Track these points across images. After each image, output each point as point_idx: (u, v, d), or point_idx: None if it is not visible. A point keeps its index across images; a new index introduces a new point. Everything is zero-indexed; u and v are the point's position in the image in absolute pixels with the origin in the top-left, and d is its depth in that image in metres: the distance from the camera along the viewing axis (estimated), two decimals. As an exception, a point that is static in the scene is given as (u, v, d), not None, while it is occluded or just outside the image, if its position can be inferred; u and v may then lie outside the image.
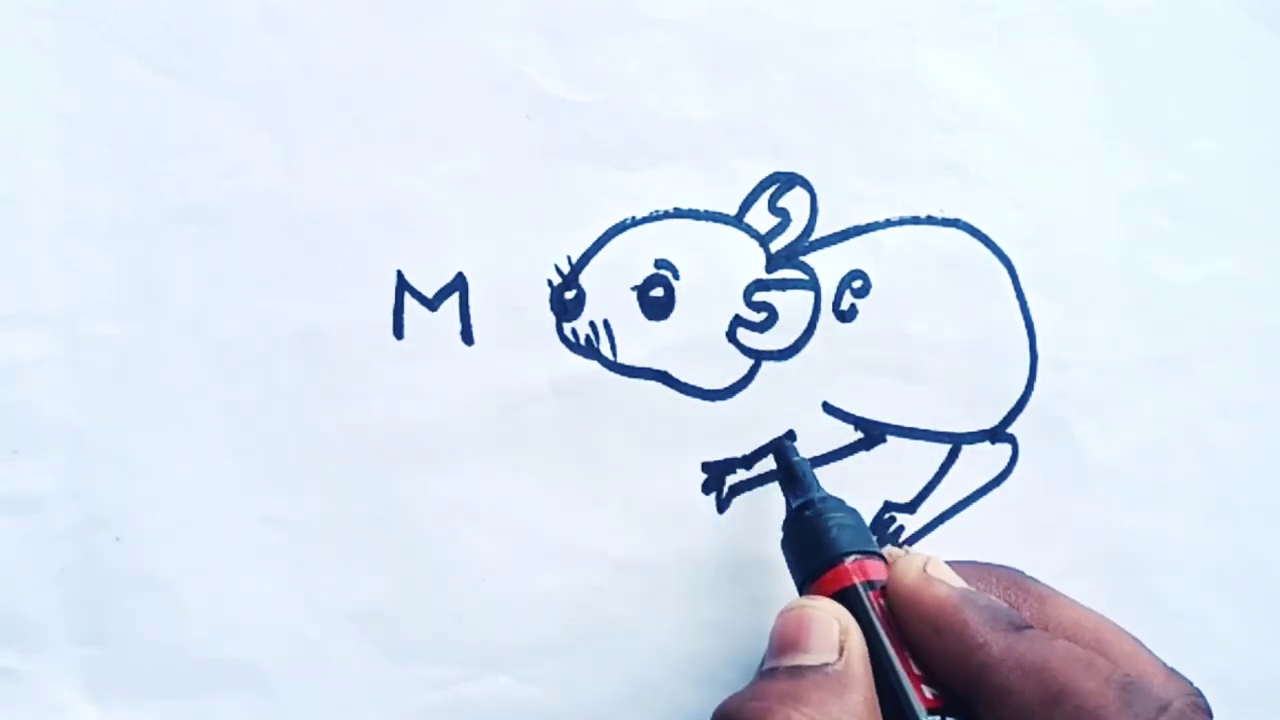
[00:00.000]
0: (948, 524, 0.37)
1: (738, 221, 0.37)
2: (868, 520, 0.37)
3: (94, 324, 0.36)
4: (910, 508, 0.37)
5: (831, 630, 0.29)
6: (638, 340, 0.37)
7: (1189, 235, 0.38)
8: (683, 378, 0.37)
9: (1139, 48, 0.38)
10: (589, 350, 0.37)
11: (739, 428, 0.37)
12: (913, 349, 0.37)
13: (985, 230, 0.38)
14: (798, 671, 0.28)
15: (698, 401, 0.37)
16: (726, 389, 0.37)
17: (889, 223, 0.37)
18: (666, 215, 0.37)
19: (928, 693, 0.28)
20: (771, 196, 0.37)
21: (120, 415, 0.36)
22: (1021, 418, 0.38)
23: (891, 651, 0.29)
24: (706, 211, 0.37)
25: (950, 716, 0.28)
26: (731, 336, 0.37)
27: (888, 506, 0.37)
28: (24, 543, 0.35)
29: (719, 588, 0.36)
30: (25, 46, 0.36)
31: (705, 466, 0.37)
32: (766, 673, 0.29)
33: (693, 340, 0.37)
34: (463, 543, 0.36)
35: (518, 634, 0.36)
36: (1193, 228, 0.38)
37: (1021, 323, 0.38)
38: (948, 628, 0.28)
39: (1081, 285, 0.38)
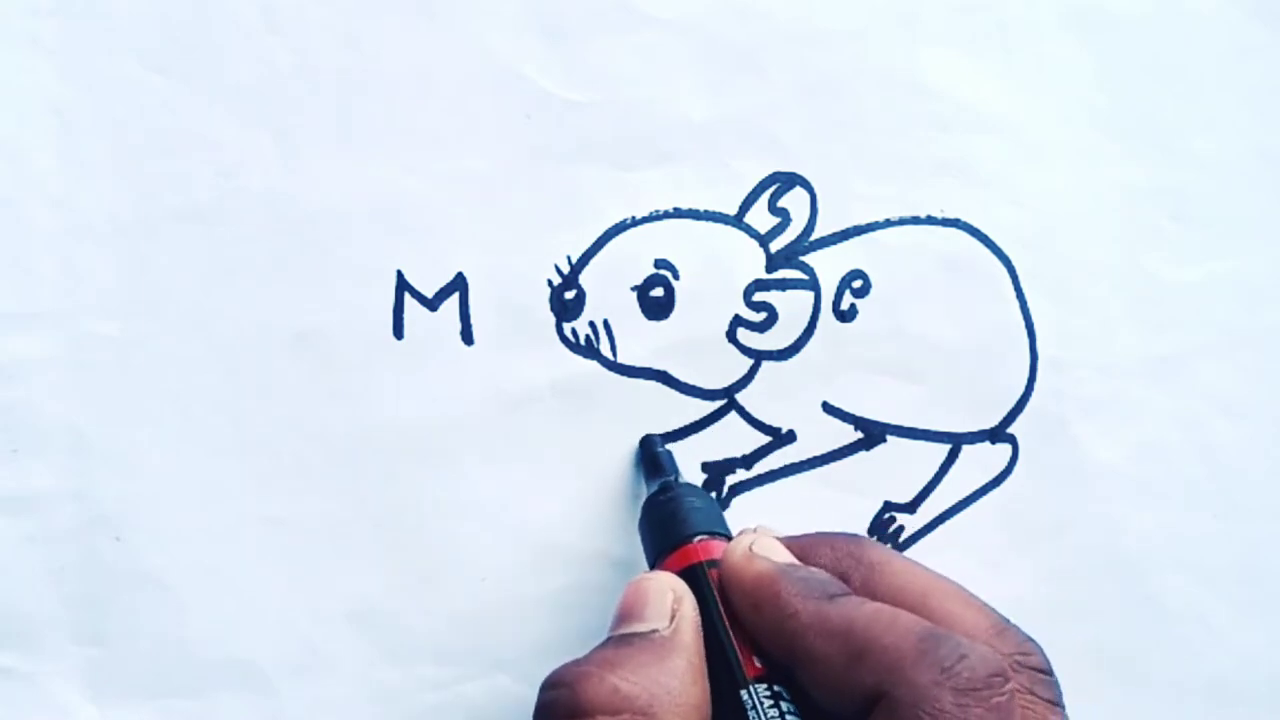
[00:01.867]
0: (948, 524, 0.37)
1: (738, 221, 0.37)
2: (867, 520, 0.37)
3: (94, 324, 0.36)
4: (910, 508, 0.37)
5: (665, 598, 0.30)
6: (638, 340, 0.37)
7: (1189, 235, 0.38)
8: (683, 378, 0.37)
9: (1139, 48, 0.38)
10: (589, 350, 0.37)
11: (739, 427, 0.37)
12: (913, 349, 0.37)
13: (985, 230, 0.38)
14: (626, 639, 0.29)
15: (698, 401, 0.37)
16: (726, 389, 0.37)
17: (889, 223, 0.37)
18: (666, 215, 0.37)
19: (756, 663, 0.29)
20: (771, 196, 0.37)
21: (120, 415, 0.36)
22: (1021, 418, 0.38)
23: (725, 624, 0.30)
24: (706, 211, 0.37)
25: (775, 685, 0.28)
26: (731, 336, 0.37)
27: (888, 506, 0.37)
28: (24, 543, 0.35)
29: (719, 588, 0.36)
30: (25, 46, 0.36)
31: (705, 466, 0.37)
32: (602, 643, 0.30)
33: (693, 340, 0.37)
34: (463, 543, 0.36)
35: (518, 634, 0.36)
36: (1193, 228, 0.38)
37: (1021, 323, 0.38)
38: (763, 601, 0.29)
39: (1081, 285, 0.38)
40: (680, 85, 0.37)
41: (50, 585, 0.35)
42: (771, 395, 0.37)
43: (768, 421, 0.37)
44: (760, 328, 0.37)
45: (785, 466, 0.37)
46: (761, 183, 0.37)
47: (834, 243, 0.37)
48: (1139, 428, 0.38)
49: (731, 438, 0.37)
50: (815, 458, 0.37)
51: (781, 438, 0.37)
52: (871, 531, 0.37)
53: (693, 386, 0.37)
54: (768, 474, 0.37)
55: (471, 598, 0.36)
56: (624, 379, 0.37)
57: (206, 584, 0.36)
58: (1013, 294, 0.38)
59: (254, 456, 0.36)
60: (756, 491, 0.37)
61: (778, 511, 0.36)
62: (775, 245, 0.37)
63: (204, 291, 0.36)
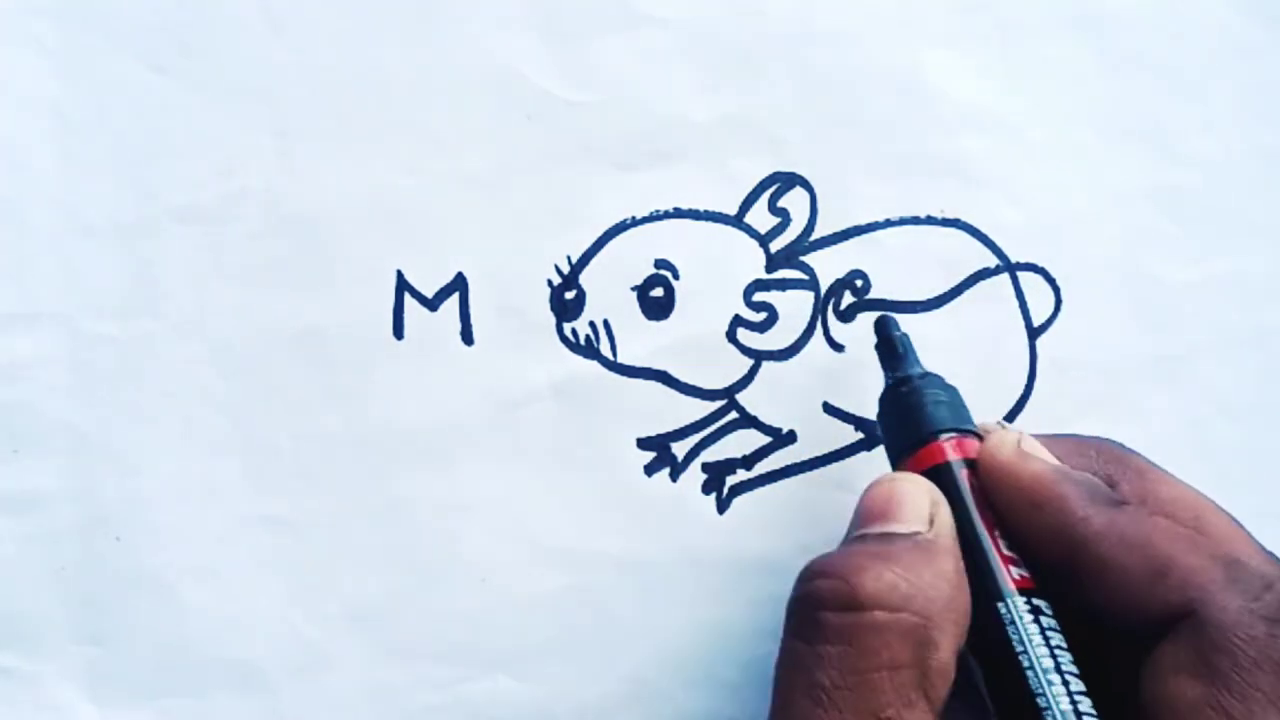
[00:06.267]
0: (948, 524, 0.37)
1: (738, 221, 0.37)
2: (868, 520, 0.37)
3: (94, 324, 0.36)
4: (910, 508, 0.37)
5: (922, 503, 0.29)
6: (638, 340, 0.37)
7: (1189, 235, 0.38)
8: (683, 378, 0.37)
9: (1139, 48, 0.38)
10: (589, 350, 0.37)
11: (739, 427, 0.37)
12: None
13: (985, 230, 0.38)
14: (888, 538, 0.28)
15: (698, 401, 0.37)
16: (726, 389, 0.37)
17: (889, 223, 0.37)
18: (666, 215, 0.37)
19: (1015, 573, 0.28)
20: (771, 196, 0.37)
21: (120, 415, 0.36)
22: (1021, 418, 0.38)
23: (982, 529, 0.29)
24: (706, 211, 0.37)
25: (1037, 599, 0.27)
26: (731, 336, 0.37)
27: (888, 506, 0.37)
28: (24, 542, 0.35)
29: (719, 588, 0.36)
30: (25, 46, 0.36)
31: (705, 467, 0.37)
32: (856, 538, 0.29)
33: (693, 340, 0.37)
34: (463, 543, 0.36)
35: (518, 634, 0.36)
36: (1193, 228, 0.38)
37: (1021, 323, 0.38)
38: (1045, 502, 0.28)
39: (1081, 285, 0.38)
40: (680, 85, 0.37)
41: (50, 585, 0.35)
42: (771, 395, 0.37)
43: (768, 421, 0.37)
44: (760, 328, 0.37)
45: (785, 467, 0.37)
46: (761, 183, 0.37)
47: (834, 243, 0.37)
48: (1139, 428, 0.38)
49: (731, 438, 0.37)
50: (815, 458, 0.37)
51: (781, 438, 0.37)
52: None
53: (693, 386, 0.37)
54: (768, 474, 0.37)
55: (471, 598, 0.36)
56: (624, 379, 0.37)
57: (206, 584, 0.36)
58: (1013, 294, 0.38)
59: (254, 456, 0.36)
60: (757, 491, 0.37)
61: (778, 511, 0.36)
62: (775, 245, 0.37)
63: (204, 291, 0.36)
